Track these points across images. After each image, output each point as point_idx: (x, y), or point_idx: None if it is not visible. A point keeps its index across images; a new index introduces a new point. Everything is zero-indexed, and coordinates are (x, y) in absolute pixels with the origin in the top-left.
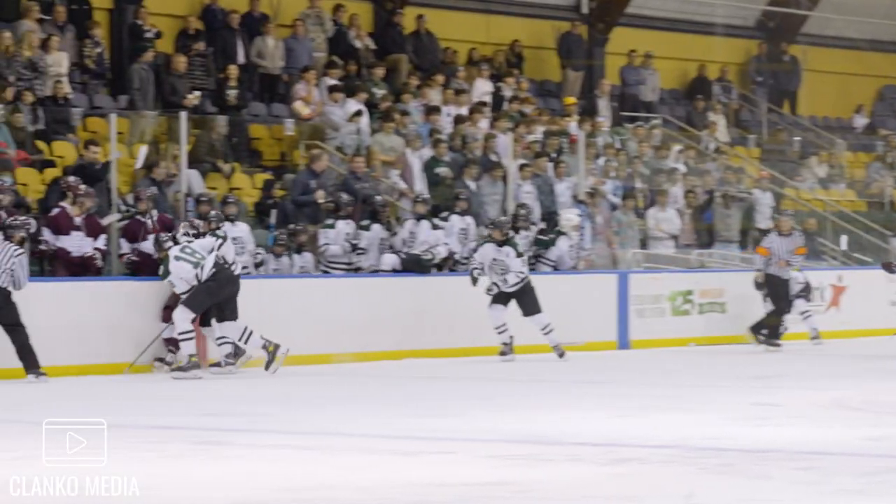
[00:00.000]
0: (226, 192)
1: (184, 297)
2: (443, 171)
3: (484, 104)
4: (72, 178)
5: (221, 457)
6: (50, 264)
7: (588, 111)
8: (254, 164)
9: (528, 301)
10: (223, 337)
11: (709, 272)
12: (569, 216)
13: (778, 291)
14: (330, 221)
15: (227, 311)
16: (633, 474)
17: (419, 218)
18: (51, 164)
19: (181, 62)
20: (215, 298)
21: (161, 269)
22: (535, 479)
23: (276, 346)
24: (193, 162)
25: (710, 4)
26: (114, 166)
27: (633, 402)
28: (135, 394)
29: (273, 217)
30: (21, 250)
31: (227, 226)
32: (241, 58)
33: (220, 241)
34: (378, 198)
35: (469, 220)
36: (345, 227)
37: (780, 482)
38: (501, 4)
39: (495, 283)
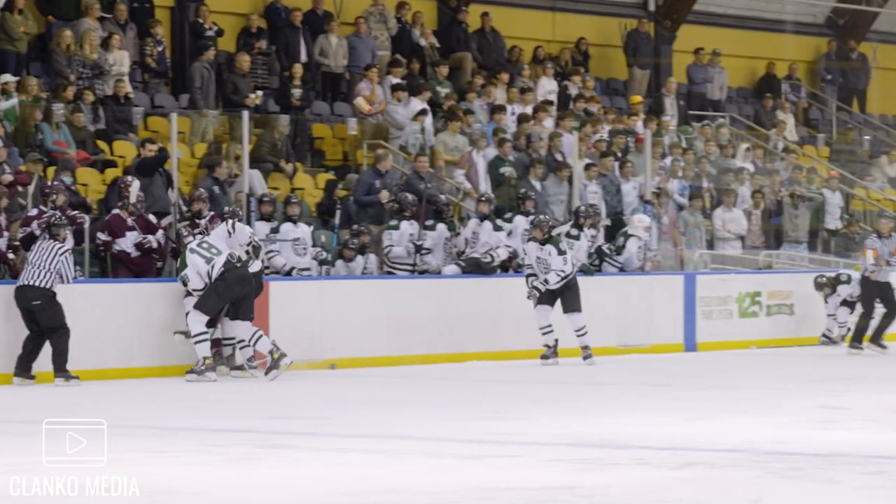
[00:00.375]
0: (288, 193)
1: (197, 297)
2: (507, 170)
3: (549, 103)
4: (129, 178)
5: (285, 460)
6: (112, 268)
7: (654, 110)
8: (316, 164)
9: (569, 298)
10: (241, 340)
11: (777, 273)
12: (640, 217)
13: (872, 294)
14: (394, 222)
15: (240, 310)
16: (700, 478)
17: (482, 218)
18: (112, 164)
19: (244, 61)
20: (225, 299)
21: (179, 262)
22: (601, 483)
23: (283, 355)
24: (255, 162)
25: (780, 1)
26: (175, 166)
27: (700, 405)
28: (197, 395)
29: (337, 218)
30: (66, 247)
31: (288, 226)
32: (303, 56)
33: (231, 221)
34: (442, 197)
35: None
36: (409, 227)
37: (848, 486)
38: (567, 1)
39: (535, 287)
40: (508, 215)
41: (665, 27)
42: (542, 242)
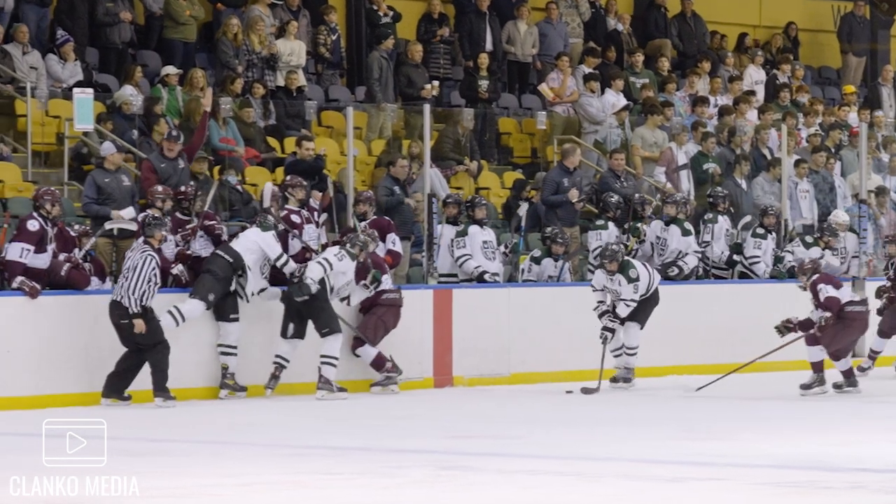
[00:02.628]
0: (472, 193)
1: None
2: (711, 167)
3: (752, 93)
4: (289, 179)
5: (469, 483)
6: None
7: (871, 101)
8: (503, 162)
9: (637, 310)
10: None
11: None
12: (836, 213)
13: None
14: (601, 222)
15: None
16: None
17: (668, 222)
18: (284, 162)
19: (416, 51)
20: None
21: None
22: None
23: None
24: (437, 159)
25: None
26: (350, 163)
27: None
28: (371, 413)
29: (522, 219)
30: (150, 251)
31: (475, 229)
32: (488, 45)
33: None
34: (637, 196)
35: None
36: (614, 230)
37: None
38: None
39: (608, 329)
40: (709, 216)
41: (882, 10)
42: (613, 272)
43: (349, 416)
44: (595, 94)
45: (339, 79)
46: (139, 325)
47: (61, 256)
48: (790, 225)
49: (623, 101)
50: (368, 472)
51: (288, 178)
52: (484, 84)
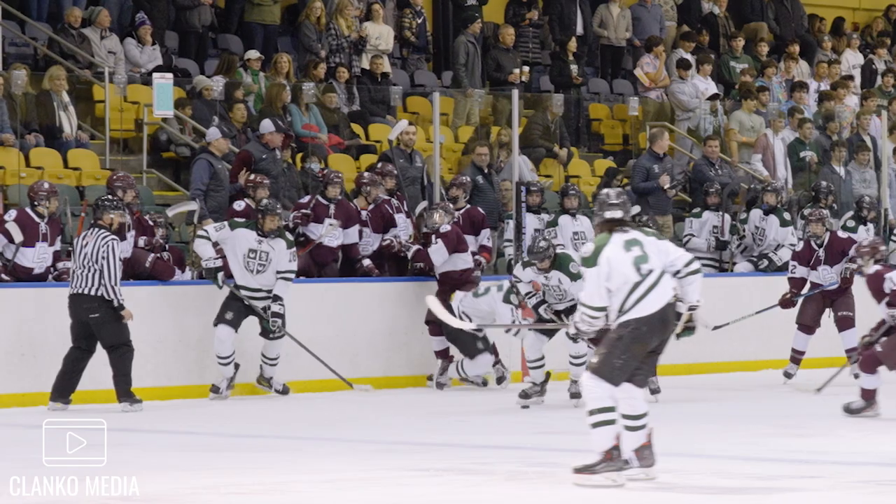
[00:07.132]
0: (562, 181)
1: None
2: (808, 154)
3: (850, 78)
4: (380, 166)
5: (557, 481)
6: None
7: None
8: (594, 149)
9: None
10: None
11: None
12: None
13: None
14: (697, 210)
15: None
16: None
17: (767, 211)
18: (368, 149)
19: (508, 34)
20: None
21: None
22: None
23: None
24: (525, 146)
25: None
26: (436, 150)
27: None
28: (457, 409)
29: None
30: (111, 236)
31: (566, 219)
32: (579, 28)
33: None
34: (741, 185)
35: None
36: (714, 218)
37: None
38: None
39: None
40: (807, 211)
41: None
42: (548, 269)
43: (432, 412)
44: (690, 80)
45: (424, 63)
46: (128, 314)
47: (141, 241)
48: (890, 214)
49: (713, 88)
50: (454, 468)
51: (378, 165)
52: (575, 68)
